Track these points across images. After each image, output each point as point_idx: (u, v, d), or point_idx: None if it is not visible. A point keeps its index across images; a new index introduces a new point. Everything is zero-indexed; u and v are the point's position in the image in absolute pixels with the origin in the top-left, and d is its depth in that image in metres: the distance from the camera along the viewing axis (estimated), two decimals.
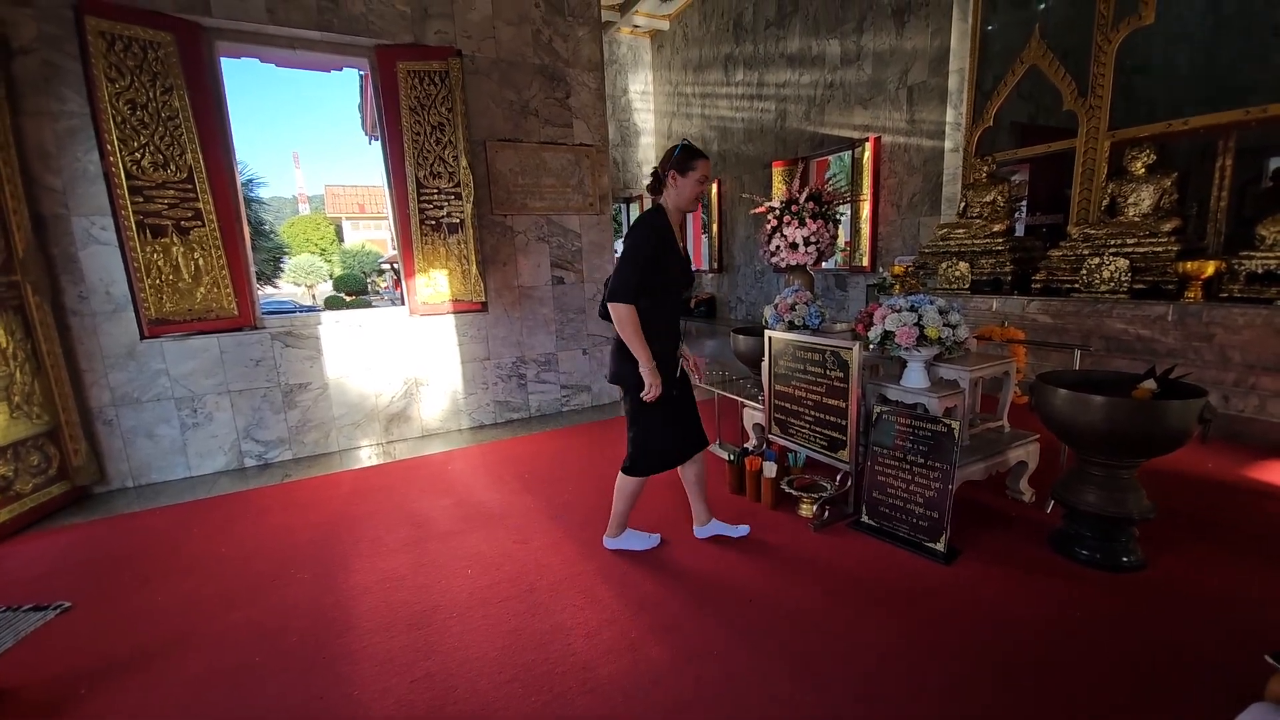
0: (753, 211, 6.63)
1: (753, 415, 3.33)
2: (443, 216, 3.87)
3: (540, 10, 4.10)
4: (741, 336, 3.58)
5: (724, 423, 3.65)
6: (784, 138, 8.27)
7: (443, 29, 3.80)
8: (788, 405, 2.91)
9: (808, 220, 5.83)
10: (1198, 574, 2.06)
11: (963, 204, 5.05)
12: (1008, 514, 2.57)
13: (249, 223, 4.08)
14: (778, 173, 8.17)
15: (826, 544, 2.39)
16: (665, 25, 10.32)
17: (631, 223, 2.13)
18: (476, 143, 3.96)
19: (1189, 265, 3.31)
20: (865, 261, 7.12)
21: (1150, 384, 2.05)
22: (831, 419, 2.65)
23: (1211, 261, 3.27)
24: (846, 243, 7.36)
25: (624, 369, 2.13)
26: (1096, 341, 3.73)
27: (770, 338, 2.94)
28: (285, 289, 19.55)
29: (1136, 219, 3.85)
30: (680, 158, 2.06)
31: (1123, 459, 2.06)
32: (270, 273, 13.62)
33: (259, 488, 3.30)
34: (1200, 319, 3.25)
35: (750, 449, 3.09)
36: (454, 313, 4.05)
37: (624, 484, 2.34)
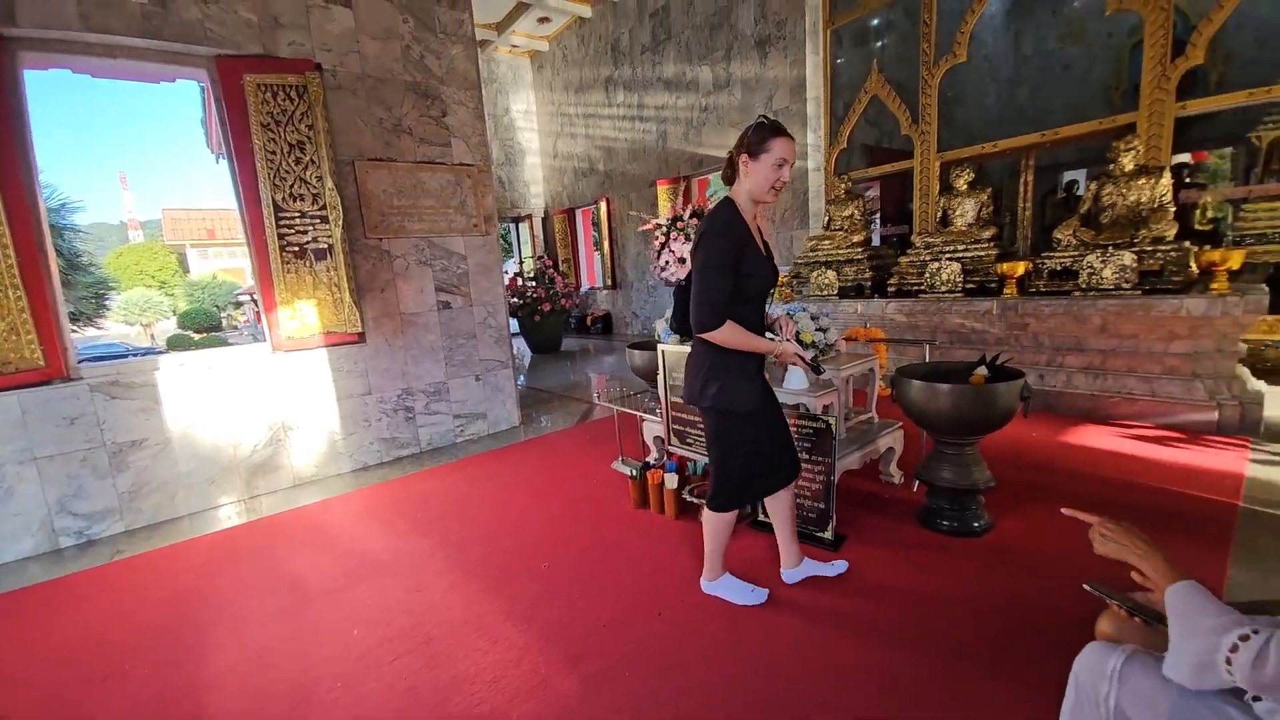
0: (640, 229, 6.81)
1: (652, 428, 3.39)
2: (307, 242, 3.56)
3: (409, 26, 3.95)
4: (637, 352, 3.63)
5: (625, 438, 3.67)
6: (666, 157, 8.62)
7: (298, 40, 3.52)
8: (684, 415, 2.99)
9: (692, 235, 6.13)
10: (1033, 531, 2.39)
11: (827, 218, 5.55)
12: (882, 496, 2.82)
13: (60, 255, 3.47)
14: (663, 191, 8.48)
15: (729, 547, 2.47)
16: (544, 46, 10.39)
17: (701, 230, 1.79)
18: (344, 162, 3.70)
19: (1005, 266, 3.88)
20: None
21: (982, 370, 2.36)
22: None
23: (1022, 262, 3.87)
24: None
25: (706, 386, 1.83)
26: (942, 335, 4.25)
27: (663, 351, 3.01)
28: (115, 329, 16.89)
29: (964, 228, 4.46)
30: (752, 138, 1.74)
31: (966, 437, 2.35)
32: (92, 312, 11.64)
33: (81, 571, 2.77)
34: (1017, 311, 3.83)
35: (651, 462, 3.13)
36: (327, 346, 3.72)
37: (708, 521, 2.05)
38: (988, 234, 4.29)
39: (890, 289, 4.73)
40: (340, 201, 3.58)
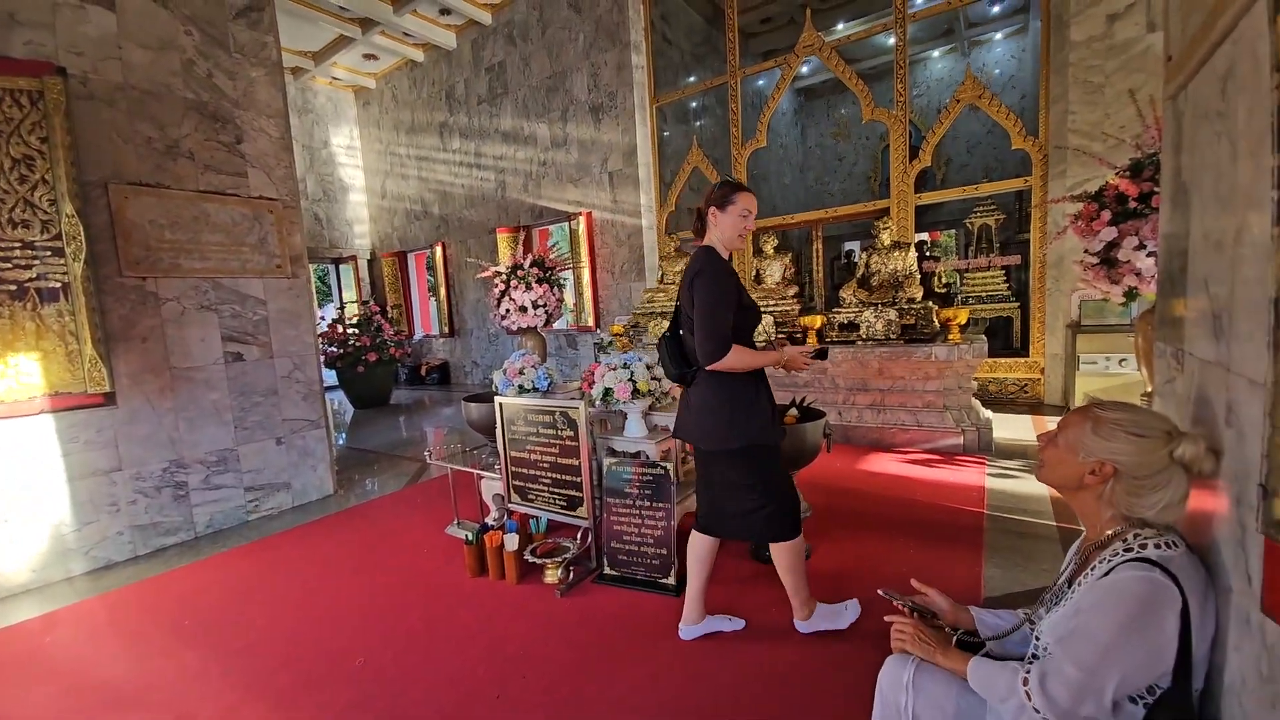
0: (478, 276, 6.61)
1: (491, 486, 3.17)
2: (30, 280, 2.78)
3: (194, 40, 3.44)
4: (474, 405, 3.43)
5: (461, 499, 3.39)
6: (505, 206, 8.58)
7: (36, 40, 2.85)
8: (525, 470, 2.85)
9: (534, 284, 6.09)
10: (844, 551, 2.68)
11: (661, 273, 5.94)
12: None
13: None
14: (503, 239, 8.39)
15: (574, 606, 2.36)
16: (371, 84, 9.85)
17: (692, 273, 1.87)
18: (92, 185, 3.01)
19: (806, 319, 4.49)
20: (591, 322, 7.73)
21: (794, 411, 2.65)
22: (568, 478, 2.69)
23: (819, 316, 4.51)
24: (573, 306, 7.89)
25: (731, 428, 1.87)
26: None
27: (501, 404, 2.87)
28: None
29: (774, 286, 5.09)
30: (719, 193, 1.92)
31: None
32: None
33: None
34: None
35: (490, 523, 2.91)
36: (54, 411, 2.89)
37: (785, 555, 1.98)
38: (792, 292, 4.94)
39: None
40: (83, 231, 2.88)
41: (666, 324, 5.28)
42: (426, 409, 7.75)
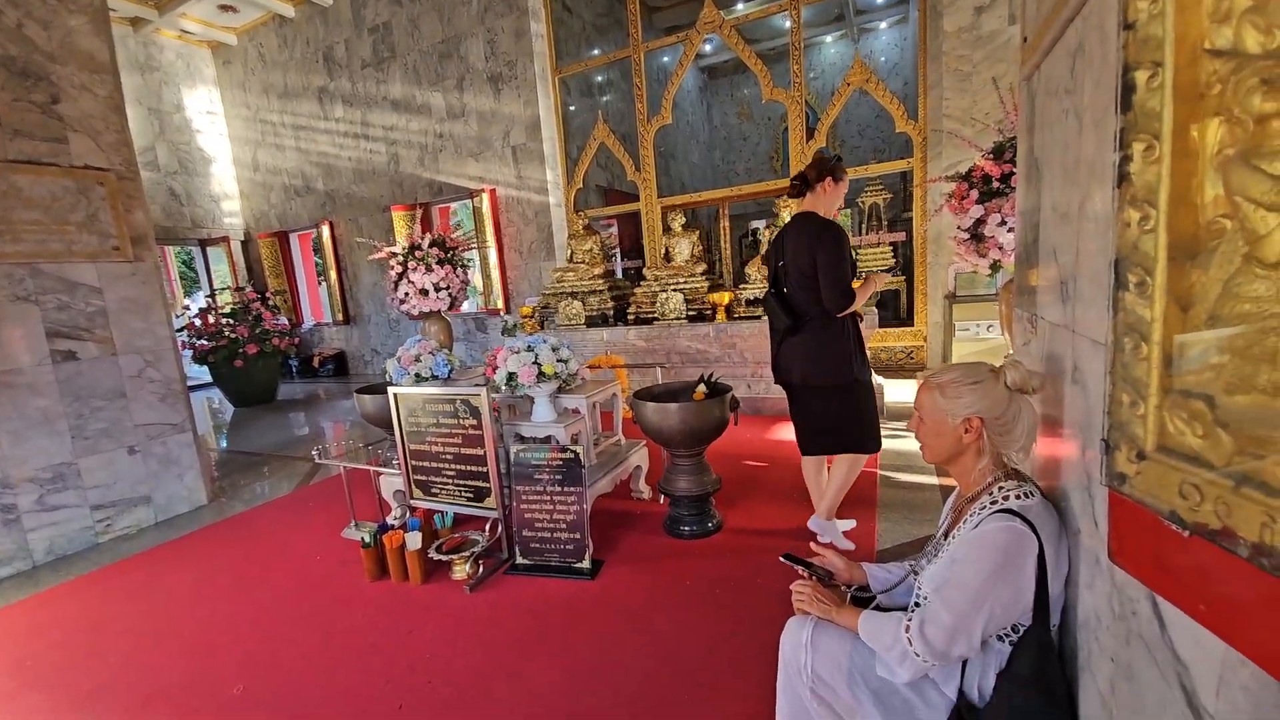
0: (372, 257, 6.11)
1: (391, 482, 2.96)
2: None
3: None
4: (368, 397, 3.17)
5: (358, 499, 3.14)
6: (400, 181, 7.98)
7: None
8: (427, 464, 2.68)
9: (434, 266, 5.73)
10: (753, 520, 2.77)
11: (570, 252, 5.79)
12: (634, 513, 2.96)
13: None
14: (399, 217, 7.81)
15: (485, 600, 2.27)
16: (232, 40, 8.69)
17: (810, 235, 2.24)
18: None
19: (714, 296, 4.57)
20: (500, 304, 7.43)
21: (702, 387, 2.67)
22: (474, 469, 2.56)
23: (727, 292, 4.60)
24: (481, 288, 7.54)
25: (845, 363, 2.28)
26: (675, 357, 4.77)
27: (396, 395, 2.66)
28: None
29: (683, 264, 5.12)
30: (837, 166, 2.30)
31: (695, 447, 2.62)
32: None
33: None
34: (727, 333, 4.53)
35: (392, 522, 2.72)
36: None
37: (850, 462, 2.43)
38: (700, 269, 5.00)
39: (630, 317, 5.14)
40: None
41: (577, 304, 5.17)
42: (321, 404, 7.14)
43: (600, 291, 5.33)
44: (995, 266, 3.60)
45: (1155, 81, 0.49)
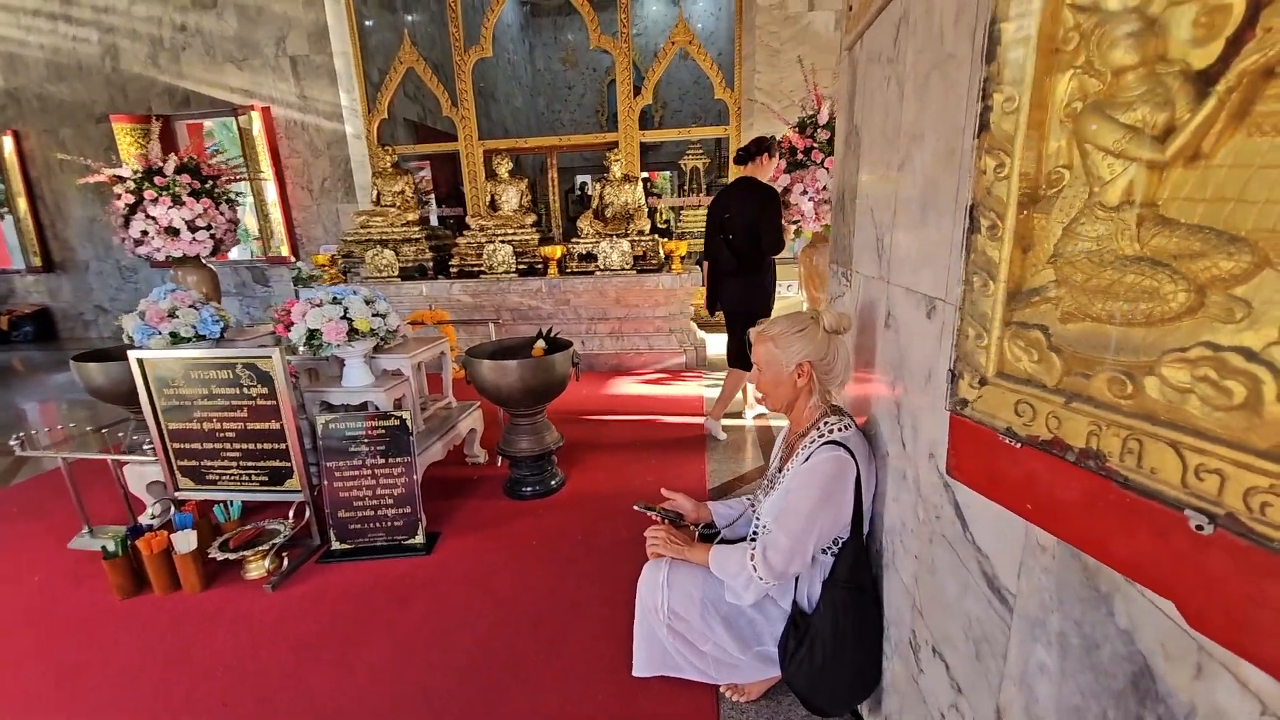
0: (84, 180, 4.62)
1: (144, 474, 2.33)
2: None
3: None
4: (94, 366, 2.42)
5: (90, 498, 2.42)
6: (122, 85, 6.11)
7: None
8: (198, 445, 2.16)
9: (186, 199, 4.55)
10: (595, 474, 2.80)
11: (375, 192, 5.05)
12: (470, 479, 2.78)
13: None
14: (123, 130, 6.00)
15: (292, 597, 1.94)
16: None
17: (755, 195, 2.87)
18: None
19: (546, 250, 4.40)
20: (285, 250, 6.25)
21: (541, 344, 2.56)
22: (266, 446, 2.13)
23: (559, 246, 4.47)
24: (256, 231, 6.23)
25: (767, 298, 3.09)
26: (505, 313, 4.53)
27: (142, 361, 2.06)
28: None
29: (510, 214, 4.82)
30: (772, 143, 3.00)
31: (536, 406, 2.53)
32: None
33: None
34: (560, 289, 4.42)
35: (149, 523, 2.15)
36: None
37: (737, 377, 3.08)
38: (530, 220, 4.76)
39: (453, 270, 4.71)
40: None
41: (390, 254, 4.57)
42: (18, 378, 5.35)
43: (416, 240, 4.77)
44: (798, 232, 4.05)
45: (1020, 33, 0.52)
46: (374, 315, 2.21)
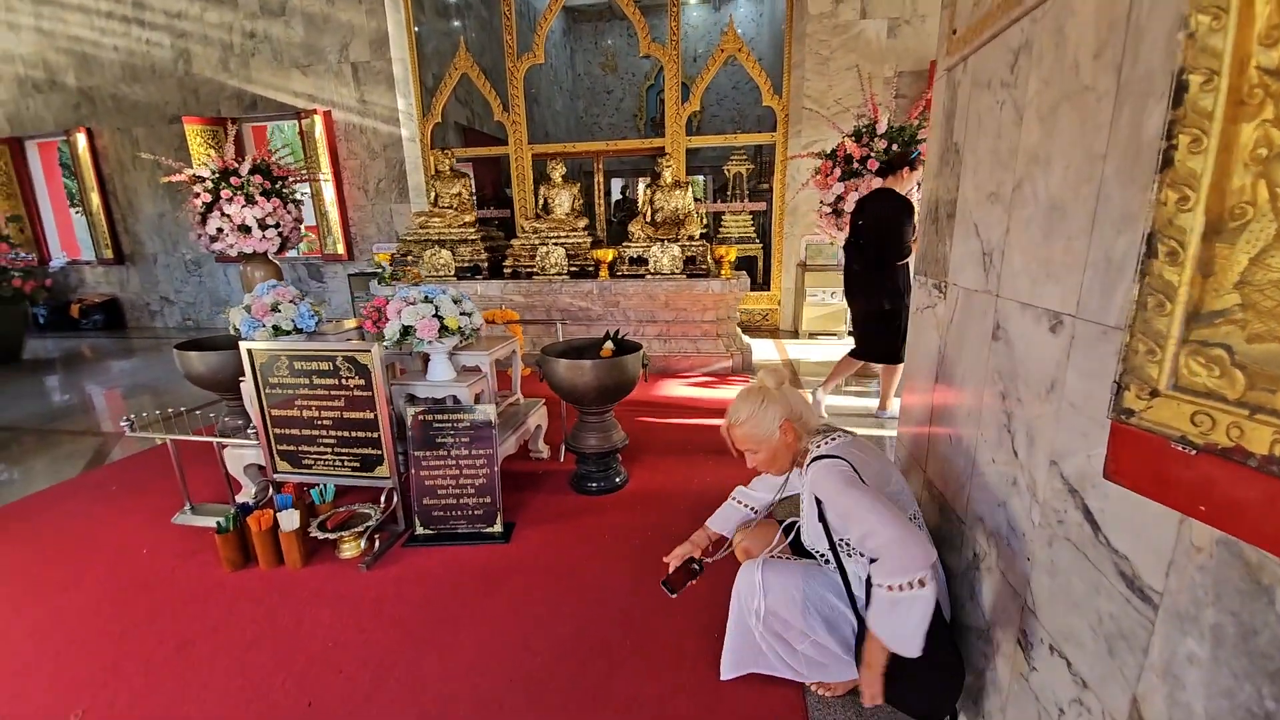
0: (167, 179, 4.89)
1: (242, 456, 2.50)
2: None
3: None
4: (195, 355, 2.61)
5: (194, 477, 2.59)
6: (195, 87, 6.42)
7: None
8: (296, 431, 2.30)
9: (258, 198, 4.78)
10: (655, 473, 2.88)
11: (433, 194, 5.23)
12: (537, 473, 2.89)
13: None
14: (194, 132, 6.32)
15: (386, 578, 2.06)
16: None
17: (889, 206, 3.11)
18: None
19: (598, 253, 4.51)
20: (341, 249, 6.50)
21: (609, 345, 2.66)
22: (360, 434, 2.26)
23: (611, 250, 4.57)
24: (310, 227, 6.49)
25: (881, 296, 3.21)
26: (556, 313, 4.65)
27: (250, 351, 2.21)
28: None
29: (563, 217, 4.95)
30: (915, 159, 3.10)
31: (606, 405, 2.62)
32: None
33: None
34: (611, 291, 4.52)
35: (252, 502, 2.30)
36: None
37: (896, 370, 3.30)
38: (582, 224, 4.88)
39: (506, 270, 4.85)
40: None
41: (446, 254, 4.73)
42: (89, 364, 5.66)
43: (472, 241, 4.93)
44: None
45: (1209, 85, 0.59)
46: (461, 314, 2.33)
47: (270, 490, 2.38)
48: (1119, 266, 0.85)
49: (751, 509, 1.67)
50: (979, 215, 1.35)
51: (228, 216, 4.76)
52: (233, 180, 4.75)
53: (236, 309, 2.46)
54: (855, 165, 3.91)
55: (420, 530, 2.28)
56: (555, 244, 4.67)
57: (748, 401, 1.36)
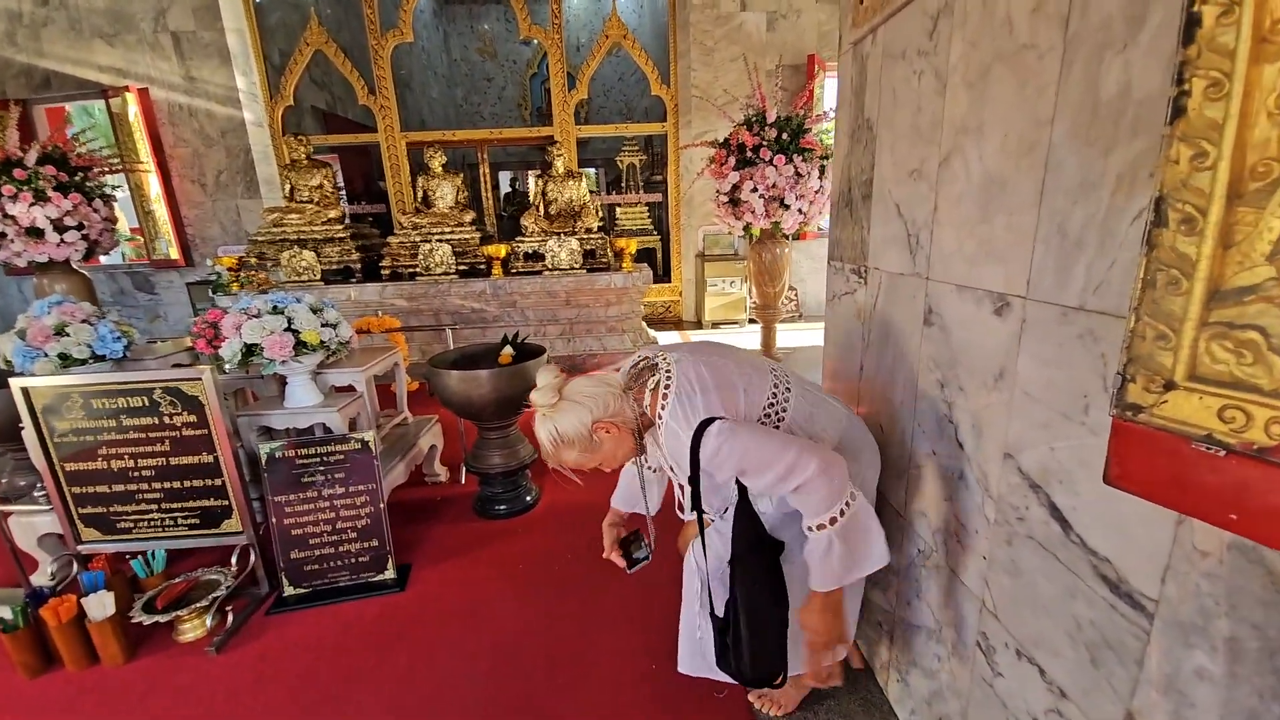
0: None
1: (34, 525, 1.92)
2: None
3: None
4: None
5: None
6: None
7: None
8: (105, 489, 1.80)
9: (51, 194, 3.86)
10: (569, 484, 2.64)
11: (288, 186, 4.54)
12: (434, 500, 2.54)
13: None
14: None
15: (245, 658, 1.66)
16: None
17: None
18: None
19: (489, 249, 4.15)
20: (175, 253, 5.49)
21: (508, 350, 2.39)
22: (196, 483, 1.81)
23: (502, 245, 4.23)
24: (133, 229, 5.43)
25: None
26: (445, 317, 4.23)
27: (27, 390, 1.68)
28: None
29: (447, 210, 4.51)
30: None
31: (509, 418, 2.35)
32: None
33: None
34: (506, 290, 4.19)
35: (49, 587, 1.76)
36: None
37: None
38: (469, 218, 4.48)
39: (384, 272, 4.33)
40: None
41: (310, 255, 4.12)
42: None
43: (340, 240, 4.34)
44: (748, 229, 4.08)
45: (1229, 17, 0.49)
46: (324, 325, 1.94)
47: (74, 567, 1.84)
48: (1077, 241, 0.77)
49: (649, 468, 1.48)
50: (900, 194, 1.28)
51: (11, 218, 3.80)
52: (16, 174, 3.78)
53: (5, 335, 1.87)
54: (749, 154, 3.91)
55: (290, 590, 1.88)
56: (440, 240, 4.24)
57: (544, 430, 1.13)
